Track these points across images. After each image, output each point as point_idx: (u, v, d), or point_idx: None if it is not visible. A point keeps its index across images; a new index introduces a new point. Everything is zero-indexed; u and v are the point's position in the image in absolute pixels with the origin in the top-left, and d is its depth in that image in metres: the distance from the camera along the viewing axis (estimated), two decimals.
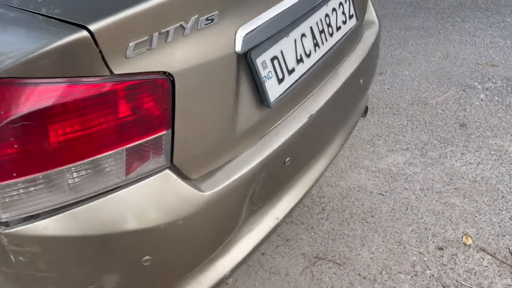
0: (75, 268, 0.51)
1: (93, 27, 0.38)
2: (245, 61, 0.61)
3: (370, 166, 1.52)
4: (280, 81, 0.70)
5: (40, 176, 0.43)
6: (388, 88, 2.00)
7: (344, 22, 0.89)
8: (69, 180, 0.45)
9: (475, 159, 1.53)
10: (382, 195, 1.40)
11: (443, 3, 2.95)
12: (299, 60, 0.75)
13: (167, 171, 0.53)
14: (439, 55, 2.30)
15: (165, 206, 0.54)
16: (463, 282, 1.09)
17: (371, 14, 1.09)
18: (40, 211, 0.45)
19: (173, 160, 0.53)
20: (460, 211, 1.32)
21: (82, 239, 0.48)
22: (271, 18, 0.63)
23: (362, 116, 1.21)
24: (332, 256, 1.18)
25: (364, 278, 1.13)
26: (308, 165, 0.88)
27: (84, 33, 0.38)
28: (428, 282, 1.10)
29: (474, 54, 2.27)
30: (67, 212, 0.46)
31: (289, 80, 0.72)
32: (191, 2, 0.49)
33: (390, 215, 1.32)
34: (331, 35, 0.84)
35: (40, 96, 0.39)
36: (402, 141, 1.65)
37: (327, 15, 0.82)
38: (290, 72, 0.73)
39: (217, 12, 0.51)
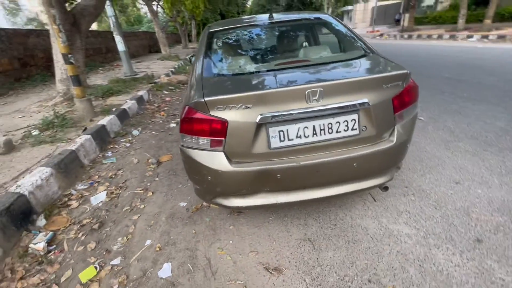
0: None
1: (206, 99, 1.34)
2: (264, 127, 1.38)
3: None
4: (281, 141, 1.40)
5: None
6: None
7: (346, 131, 1.40)
8: None
9: None
10: None
11: None
12: (298, 137, 1.39)
13: (222, 153, 1.43)
14: None
15: (220, 163, 1.43)
16: None
17: (393, 135, 1.48)
18: None
19: (224, 149, 1.43)
20: None
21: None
22: (283, 113, 1.33)
23: (382, 190, 1.75)
24: None
25: None
26: (304, 188, 1.54)
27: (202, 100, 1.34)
28: None
29: None
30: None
31: (287, 143, 1.40)
32: (245, 99, 1.33)
33: None
34: (329, 133, 1.40)
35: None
36: None
37: (330, 123, 1.38)
38: (290, 140, 1.40)
39: (251, 105, 1.33)
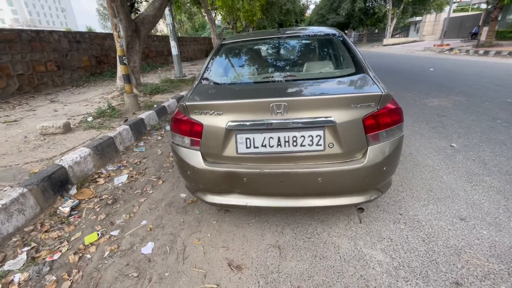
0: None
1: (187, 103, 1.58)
2: (233, 133, 1.51)
3: None
4: (247, 148, 1.52)
5: None
6: None
7: (310, 145, 1.45)
8: None
9: None
10: None
11: None
12: (263, 146, 1.50)
13: (199, 152, 1.63)
14: None
15: (197, 160, 1.63)
16: None
17: (365, 156, 1.46)
18: None
19: (200, 149, 1.62)
20: None
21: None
22: (248, 122, 1.46)
23: (357, 211, 1.82)
24: None
25: None
26: (272, 195, 1.63)
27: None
28: None
29: None
30: None
31: (253, 150, 1.51)
32: (217, 107, 1.53)
33: None
34: (294, 145, 1.47)
35: None
36: None
37: (295, 136, 1.45)
38: (256, 148, 1.51)
39: (222, 112, 1.51)
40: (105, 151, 3.11)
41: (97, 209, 2.29)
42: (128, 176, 2.80)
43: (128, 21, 4.93)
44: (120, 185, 2.67)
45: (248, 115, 1.44)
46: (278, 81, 1.75)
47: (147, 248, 1.82)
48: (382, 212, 1.99)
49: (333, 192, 1.55)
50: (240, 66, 2.13)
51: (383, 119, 1.42)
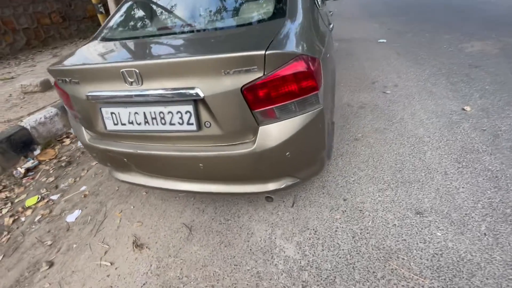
0: None
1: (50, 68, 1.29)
2: (98, 106, 1.24)
3: None
4: (115, 124, 1.25)
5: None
6: None
7: (181, 124, 1.13)
8: None
9: None
10: None
11: None
12: (130, 123, 1.21)
13: (82, 126, 1.46)
14: None
15: (81, 135, 1.45)
16: None
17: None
18: None
19: (81, 123, 1.42)
20: None
21: None
22: (104, 93, 1.17)
23: (266, 200, 1.60)
24: None
25: None
26: (166, 176, 1.42)
27: None
28: None
29: None
30: None
31: (121, 127, 1.24)
32: (72, 73, 1.22)
33: None
34: (162, 124, 1.16)
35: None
36: None
37: (161, 112, 1.14)
38: (123, 124, 1.23)
39: (79, 80, 1.21)
40: None
41: (51, 171, 2.35)
42: None
43: None
44: (83, 146, 2.69)
45: (104, 84, 1.14)
46: (174, 33, 1.35)
47: (72, 216, 1.83)
48: (324, 195, 1.67)
49: (228, 179, 1.28)
50: (145, 15, 1.69)
51: (277, 89, 1.01)
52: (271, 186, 1.28)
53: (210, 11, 1.47)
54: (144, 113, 1.15)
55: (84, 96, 1.20)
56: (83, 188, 2.09)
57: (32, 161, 2.47)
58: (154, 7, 1.68)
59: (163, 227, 1.63)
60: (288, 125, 1.09)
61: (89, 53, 1.32)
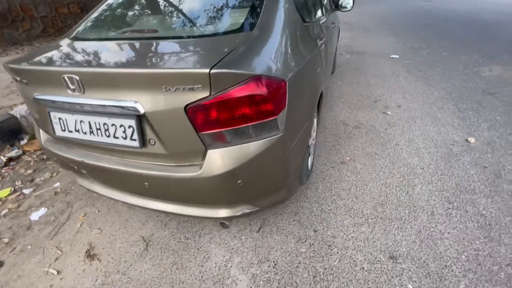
0: None
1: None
2: (47, 110, 1.16)
3: None
4: (62, 130, 1.17)
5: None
6: None
7: (124, 138, 1.04)
8: None
9: None
10: None
11: None
12: (76, 131, 1.13)
13: (39, 128, 1.40)
14: None
15: (41, 137, 1.39)
16: None
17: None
18: None
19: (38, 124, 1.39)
20: None
21: None
22: (48, 98, 1.10)
23: (222, 227, 1.49)
24: None
25: None
26: (122, 190, 1.33)
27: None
28: None
29: None
30: None
31: (68, 134, 1.16)
32: (20, 73, 1.16)
33: None
34: (107, 135, 1.07)
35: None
36: None
37: (105, 123, 1.05)
38: (70, 132, 1.15)
39: (27, 81, 1.15)
40: None
41: (32, 163, 2.33)
42: None
43: None
44: None
45: (48, 88, 1.07)
46: (134, 38, 1.26)
47: (37, 214, 1.78)
48: (294, 223, 1.54)
49: (176, 200, 1.18)
50: (118, 15, 1.59)
51: (227, 111, 0.90)
52: (224, 212, 1.17)
53: (178, 17, 1.38)
54: (89, 122, 1.07)
55: (32, 98, 1.14)
56: (57, 184, 2.05)
57: (16, 150, 2.46)
58: (132, 6, 1.60)
59: (120, 238, 1.55)
60: (240, 151, 0.97)
61: (48, 53, 1.25)
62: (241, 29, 1.11)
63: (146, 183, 1.09)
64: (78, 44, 1.29)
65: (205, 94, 0.87)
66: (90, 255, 1.47)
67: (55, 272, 1.38)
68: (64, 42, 1.35)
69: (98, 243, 1.53)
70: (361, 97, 3.07)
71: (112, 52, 1.16)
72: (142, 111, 0.92)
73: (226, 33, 1.12)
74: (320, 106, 1.93)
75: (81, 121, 1.08)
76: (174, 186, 1.06)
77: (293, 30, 1.24)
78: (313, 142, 1.87)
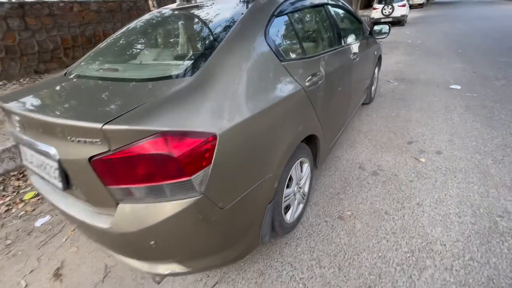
0: None
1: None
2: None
3: None
4: (25, 160, 1.22)
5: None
6: None
7: (54, 178, 1.03)
8: None
9: None
10: None
11: None
12: (31, 163, 1.17)
13: None
14: None
15: None
16: None
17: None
18: None
19: None
20: None
21: None
22: (15, 135, 1.16)
23: (153, 281, 1.28)
24: None
25: None
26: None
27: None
28: None
29: None
30: None
31: (29, 165, 1.20)
32: None
33: None
34: (44, 171, 1.08)
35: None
36: None
37: (43, 161, 1.06)
38: (30, 162, 1.17)
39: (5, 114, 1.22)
40: None
41: None
42: None
43: None
44: None
45: (11, 122, 1.16)
46: (97, 78, 1.24)
47: (41, 221, 1.98)
48: (254, 286, 1.33)
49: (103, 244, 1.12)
50: (108, 50, 1.65)
51: (130, 168, 0.81)
52: (150, 268, 1.06)
53: (136, 56, 1.38)
54: (33, 156, 1.12)
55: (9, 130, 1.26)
56: None
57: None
58: (121, 44, 1.67)
59: (89, 261, 1.59)
60: (152, 210, 0.87)
61: (33, 89, 1.36)
62: (179, 74, 1.03)
63: (75, 223, 1.07)
64: (58, 80, 1.35)
65: (105, 148, 0.81)
66: (57, 275, 1.53)
67: (24, 285, 1.48)
68: (57, 79, 1.44)
69: (70, 263, 1.59)
70: (394, 135, 2.62)
71: (54, 93, 1.20)
72: (57, 157, 0.92)
73: (159, 78, 1.05)
74: (318, 150, 1.69)
75: (31, 155, 1.14)
76: (93, 233, 1.02)
77: (253, 73, 1.10)
78: (302, 191, 1.63)
